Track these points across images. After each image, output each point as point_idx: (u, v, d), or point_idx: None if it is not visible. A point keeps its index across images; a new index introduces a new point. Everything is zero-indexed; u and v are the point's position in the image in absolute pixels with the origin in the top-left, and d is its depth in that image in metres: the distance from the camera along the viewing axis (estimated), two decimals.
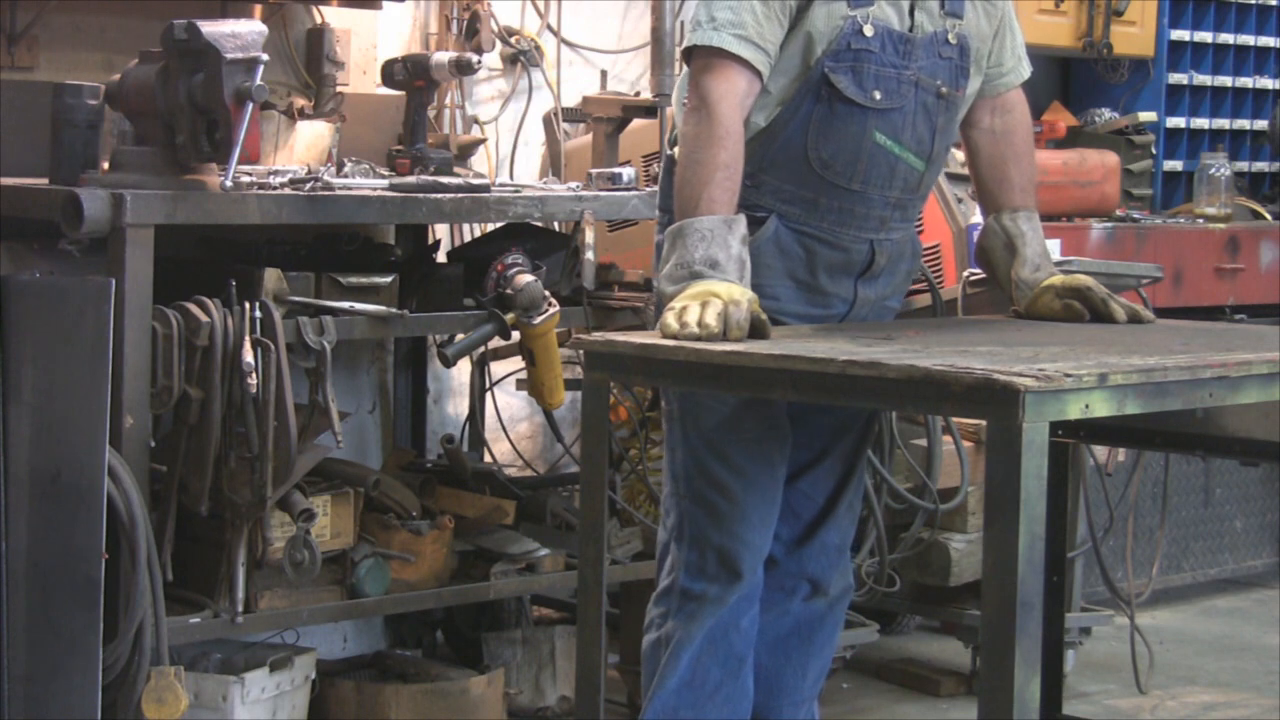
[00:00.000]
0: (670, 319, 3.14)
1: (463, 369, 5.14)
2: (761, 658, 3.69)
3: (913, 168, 3.49)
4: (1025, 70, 3.72)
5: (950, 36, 3.47)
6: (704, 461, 3.49)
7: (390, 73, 4.67)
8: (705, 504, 3.50)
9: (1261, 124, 7.13)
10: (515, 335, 4.42)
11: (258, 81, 3.72)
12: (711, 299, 3.14)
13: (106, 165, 3.93)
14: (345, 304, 4.07)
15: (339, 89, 4.76)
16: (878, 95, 3.41)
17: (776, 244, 3.46)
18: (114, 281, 3.64)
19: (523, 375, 4.85)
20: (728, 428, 3.47)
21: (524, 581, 4.55)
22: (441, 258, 4.82)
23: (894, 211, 3.52)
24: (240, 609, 3.96)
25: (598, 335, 3.42)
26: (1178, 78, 6.87)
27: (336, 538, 4.14)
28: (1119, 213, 6.44)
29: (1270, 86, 7.15)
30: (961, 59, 3.51)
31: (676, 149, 3.43)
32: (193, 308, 3.78)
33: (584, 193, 4.52)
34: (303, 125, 4.57)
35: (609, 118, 4.88)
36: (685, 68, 3.42)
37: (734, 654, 3.53)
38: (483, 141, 5.17)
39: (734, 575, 3.50)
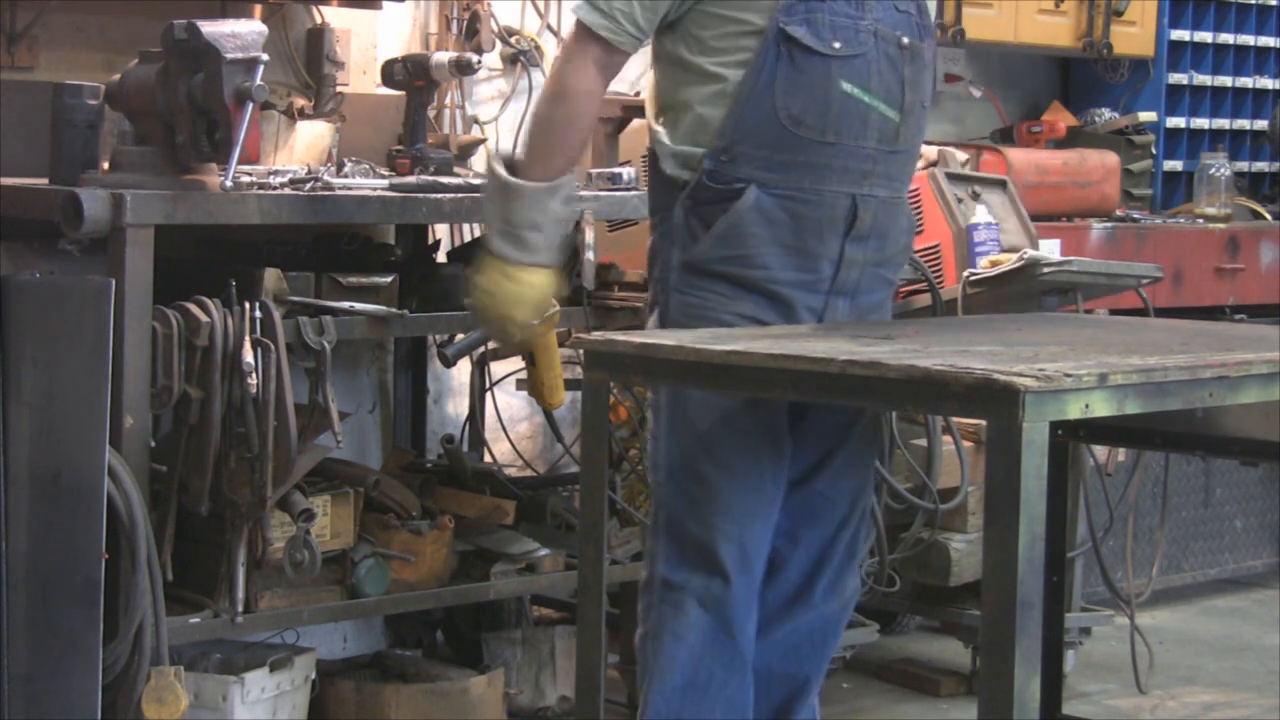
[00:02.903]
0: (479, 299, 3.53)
1: (463, 369, 5.14)
2: (782, 663, 3.68)
3: (886, 117, 3.50)
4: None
5: None
6: (689, 453, 3.49)
7: (390, 73, 4.67)
8: (685, 495, 3.49)
9: (1261, 124, 7.14)
10: None
11: (258, 81, 3.72)
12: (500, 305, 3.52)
13: (106, 165, 3.93)
14: (345, 304, 4.07)
15: (339, 89, 4.76)
16: (837, 44, 3.45)
17: (759, 212, 3.47)
18: (114, 281, 3.64)
19: (523, 375, 4.85)
20: (717, 421, 3.47)
21: (524, 581, 4.55)
22: (441, 258, 4.82)
23: (874, 165, 3.51)
24: (240, 609, 3.96)
25: (598, 335, 3.42)
26: (1178, 78, 6.87)
27: (336, 538, 4.14)
28: (1119, 213, 6.44)
29: (1270, 86, 7.15)
30: (920, 16, 3.57)
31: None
32: (193, 308, 3.78)
33: (584, 193, 4.52)
34: (303, 125, 4.57)
35: (609, 118, 4.89)
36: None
37: (738, 654, 3.53)
38: (483, 141, 5.17)
39: (714, 568, 3.48)
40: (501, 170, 3.50)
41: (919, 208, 4.97)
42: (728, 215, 3.46)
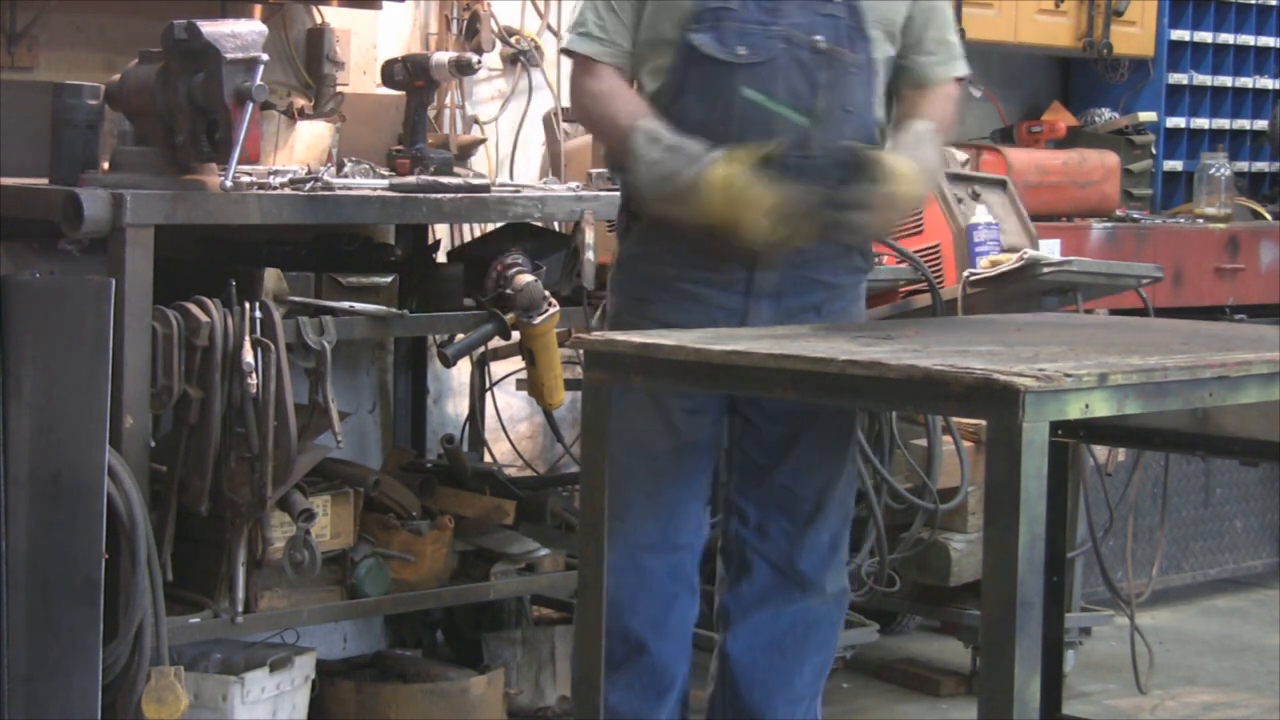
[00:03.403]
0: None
1: (463, 369, 5.14)
2: (756, 657, 3.70)
3: (795, 123, 3.50)
4: (953, 68, 3.69)
5: None
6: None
7: (390, 73, 4.66)
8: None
9: (1261, 124, 7.14)
10: (515, 335, 4.42)
11: (258, 81, 3.72)
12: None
13: (106, 165, 3.93)
14: (345, 304, 4.07)
15: (339, 89, 4.76)
16: (742, 51, 3.50)
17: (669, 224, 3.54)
18: (114, 281, 3.64)
19: (523, 375, 4.84)
20: (618, 418, 3.50)
21: (524, 581, 4.55)
22: (441, 258, 4.82)
23: (778, 165, 3.47)
24: (240, 609, 3.96)
25: (598, 335, 3.42)
26: (1178, 78, 6.87)
27: (336, 538, 4.14)
28: (1119, 213, 6.44)
29: (1270, 86, 7.15)
30: (852, 19, 3.53)
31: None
32: (193, 308, 3.78)
33: (584, 193, 4.52)
34: (303, 125, 4.57)
35: None
36: None
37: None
38: (483, 141, 5.17)
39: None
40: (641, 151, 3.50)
41: (919, 208, 4.97)
42: (646, 215, 3.59)
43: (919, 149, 3.53)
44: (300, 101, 4.63)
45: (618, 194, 4.49)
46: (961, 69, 3.71)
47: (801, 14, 3.51)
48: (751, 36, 3.50)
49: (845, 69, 3.53)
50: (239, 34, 3.75)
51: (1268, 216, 6.82)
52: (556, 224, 4.85)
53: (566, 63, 5.48)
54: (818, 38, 3.50)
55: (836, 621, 3.79)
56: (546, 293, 4.35)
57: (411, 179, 4.30)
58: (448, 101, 5.19)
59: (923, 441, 4.92)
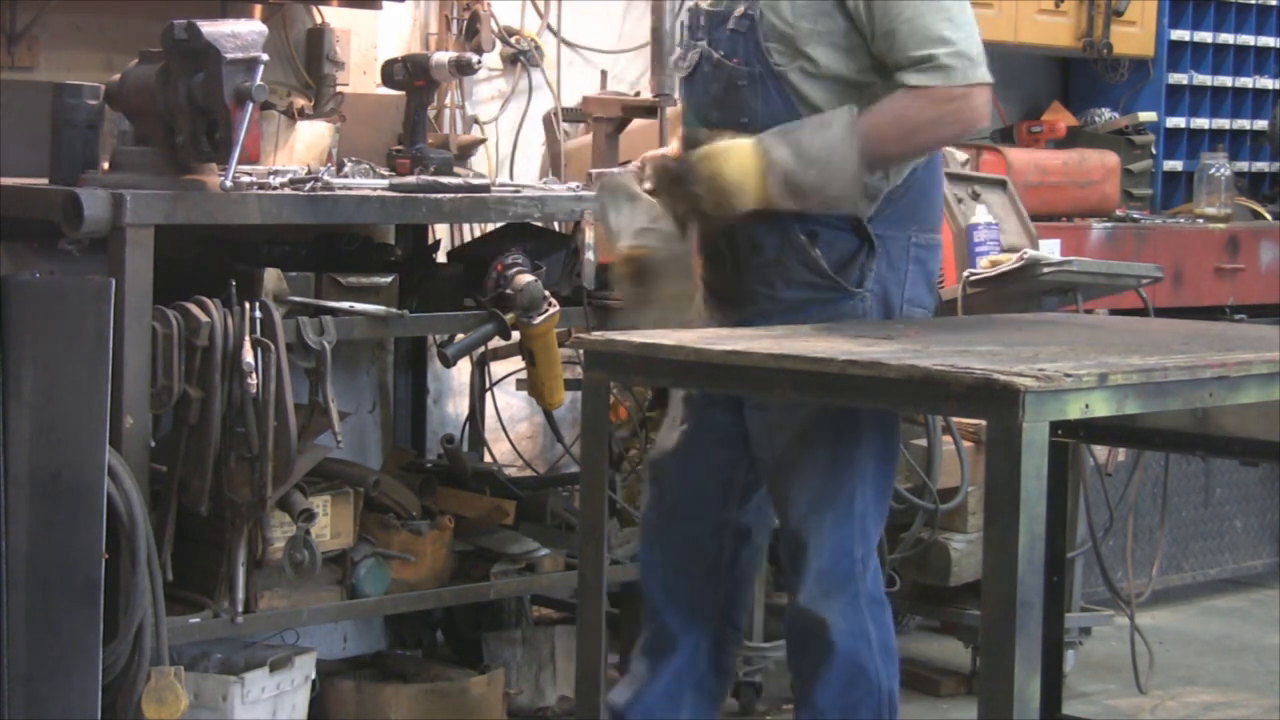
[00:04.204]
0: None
1: (463, 369, 5.14)
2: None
3: (700, 135, 3.57)
4: (918, 75, 3.49)
5: (739, 10, 3.57)
6: None
7: (390, 73, 4.66)
8: None
9: (1261, 124, 7.14)
10: (515, 335, 4.42)
11: (258, 81, 3.72)
12: None
13: (106, 165, 3.93)
14: (345, 304, 4.07)
15: (339, 89, 4.76)
16: (682, 64, 3.70)
17: None
18: (114, 281, 3.64)
19: (523, 375, 4.84)
20: None
21: (524, 581, 4.55)
22: (441, 258, 4.82)
23: None
24: (240, 609, 3.96)
25: (598, 335, 3.42)
26: (1178, 78, 6.87)
27: (336, 538, 4.14)
28: (1119, 213, 6.44)
29: (1270, 86, 7.15)
30: (751, 31, 3.56)
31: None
32: (193, 308, 3.78)
33: (584, 193, 4.51)
34: (303, 125, 4.57)
35: (609, 118, 4.89)
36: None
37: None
38: (483, 141, 5.17)
39: None
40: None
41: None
42: None
43: (795, 131, 3.47)
44: (300, 101, 4.63)
45: None
46: (933, 79, 3.49)
47: (714, 29, 3.62)
48: (689, 54, 3.67)
49: (735, 82, 3.57)
50: (239, 34, 3.75)
51: (1268, 216, 6.82)
52: (556, 224, 4.85)
53: (566, 63, 5.54)
54: (719, 53, 3.59)
55: (832, 642, 3.68)
56: (546, 293, 4.35)
57: (411, 179, 4.30)
58: (448, 101, 5.19)
59: (923, 441, 4.92)
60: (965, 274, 4.91)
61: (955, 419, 4.92)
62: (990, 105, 3.59)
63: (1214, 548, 6.43)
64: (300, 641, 4.43)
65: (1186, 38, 6.87)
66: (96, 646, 3.58)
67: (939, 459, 4.92)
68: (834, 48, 3.53)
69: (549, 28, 5.47)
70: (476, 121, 5.32)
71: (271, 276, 3.93)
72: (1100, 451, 5.15)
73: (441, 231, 5.13)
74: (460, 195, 4.23)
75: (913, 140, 3.52)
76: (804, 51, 3.53)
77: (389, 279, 4.19)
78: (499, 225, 4.73)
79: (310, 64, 4.79)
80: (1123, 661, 5.22)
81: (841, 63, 3.52)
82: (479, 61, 4.70)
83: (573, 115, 5.23)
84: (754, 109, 3.55)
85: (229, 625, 3.97)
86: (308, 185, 4.07)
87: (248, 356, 3.78)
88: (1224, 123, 7.03)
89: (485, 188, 4.32)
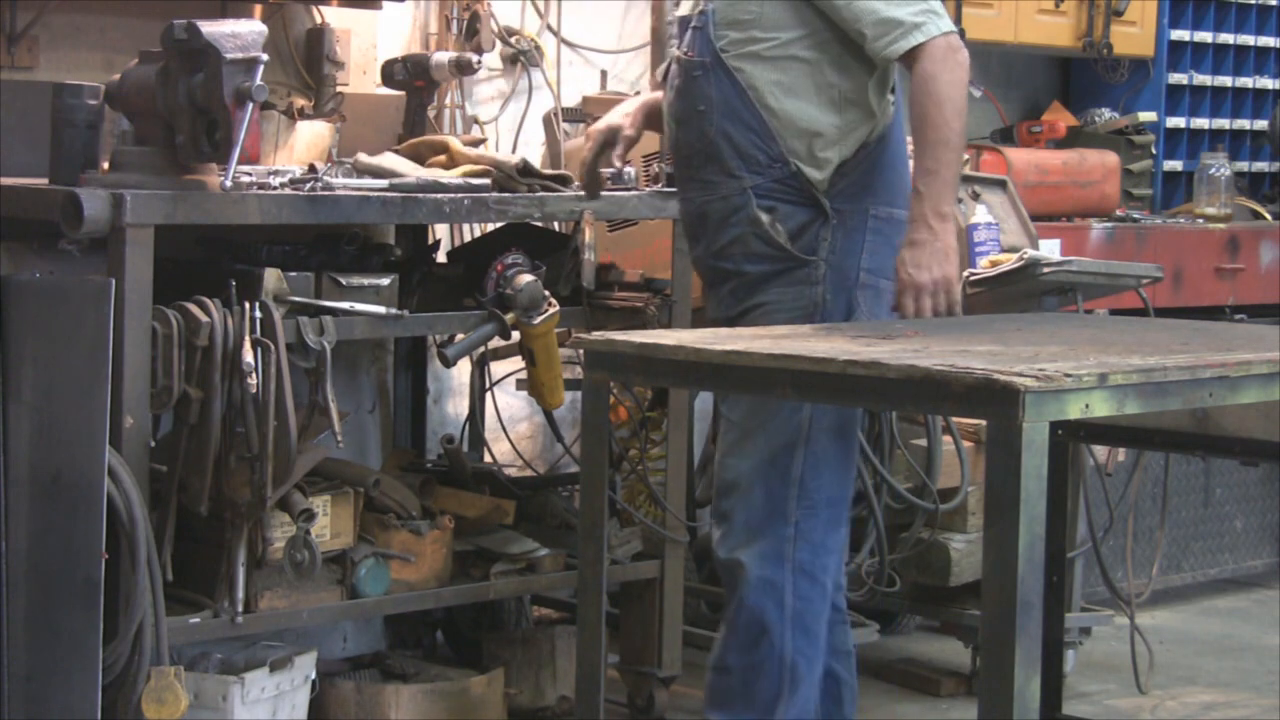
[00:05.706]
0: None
1: (463, 369, 5.14)
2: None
3: (672, 128, 3.86)
4: (886, 44, 3.61)
5: (699, 8, 3.79)
6: None
7: (390, 73, 4.67)
8: None
9: (1261, 124, 7.14)
10: (515, 335, 4.42)
11: (258, 81, 3.72)
12: None
13: (106, 165, 3.93)
14: (345, 304, 4.07)
15: (339, 89, 4.76)
16: (662, 73, 3.95)
17: None
18: (114, 281, 3.64)
19: (523, 375, 4.85)
20: None
21: (524, 581, 4.55)
22: (441, 258, 4.82)
23: (681, 171, 3.87)
24: (240, 609, 3.96)
25: (598, 335, 3.43)
26: (1178, 78, 6.88)
27: (336, 538, 4.14)
28: (1119, 213, 6.45)
29: (1270, 86, 7.16)
30: (705, 26, 3.77)
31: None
32: (193, 308, 3.78)
33: (584, 192, 4.51)
34: (303, 125, 4.57)
35: None
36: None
37: None
38: (483, 141, 5.16)
39: None
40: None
41: None
42: None
43: (940, 173, 3.65)
44: (300, 101, 4.63)
45: (619, 194, 4.51)
46: (911, 38, 3.60)
47: (689, 30, 3.81)
48: (668, 60, 3.90)
49: (693, 74, 3.78)
50: (239, 34, 3.75)
51: (1268, 216, 6.82)
52: (556, 224, 4.85)
53: (566, 63, 5.54)
54: (681, 51, 3.82)
55: (782, 623, 3.78)
56: (546, 293, 4.35)
57: (411, 179, 4.29)
58: (448, 101, 5.19)
59: (923, 441, 4.92)
60: (965, 274, 4.90)
61: (955, 419, 4.92)
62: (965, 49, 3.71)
63: (1214, 548, 6.43)
64: (300, 641, 4.43)
65: (1186, 38, 6.87)
66: (96, 646, 3.58)
67: (939, 459, 4.92)
68: (781, 27, 3.70)
69: (549, 28, 5.47)
70: (476, 121, 5.32)
71: (271, 276, 3.93)
72: (1100, 451, 5.14)
73: (441, 231, 5.13)
74: (460, 195, 4.23)
75: (954, 103, 3.63)
76: (751, 34, 3.71)
77: (389, 279, 4.19)
78: (499, 225, 4.73)
79: (310, 64, 4.78)
80: (1123, 661, 5.22)
81: (792, 41, 3.70)
82: (479, 61, 4.71)
83: (573, 115, 5.23)
84: (709, 95, 3.75)
85: (229, 625, 3.97)
86: (308, 185, 4.07)
87: (248, 356, 3.78)
88: (1224, 123, 7.03)
89: (485, 188, 4.31)
